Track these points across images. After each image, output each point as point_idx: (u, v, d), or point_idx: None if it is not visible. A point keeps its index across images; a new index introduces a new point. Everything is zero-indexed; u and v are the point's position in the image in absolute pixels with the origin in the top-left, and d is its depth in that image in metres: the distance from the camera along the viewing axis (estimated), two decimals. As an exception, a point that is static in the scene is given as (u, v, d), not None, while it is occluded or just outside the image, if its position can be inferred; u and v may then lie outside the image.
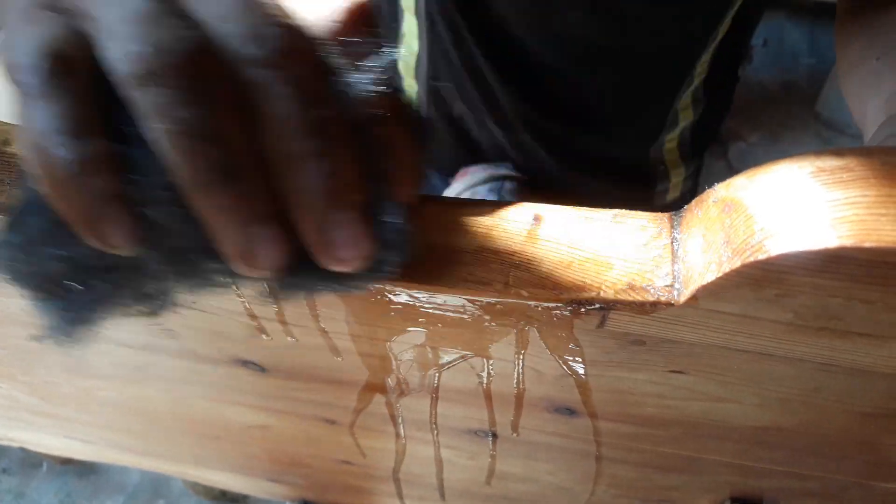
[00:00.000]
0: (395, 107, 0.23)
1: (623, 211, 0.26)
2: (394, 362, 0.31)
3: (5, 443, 0.55)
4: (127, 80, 0.20)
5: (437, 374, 0.31)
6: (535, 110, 0.61)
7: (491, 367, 0.30)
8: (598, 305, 0.24)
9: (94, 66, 0.21)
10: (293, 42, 0.20)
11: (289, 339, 0.30)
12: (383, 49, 0.23)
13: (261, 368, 0.34)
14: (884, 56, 0.44)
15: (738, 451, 0.33)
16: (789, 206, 0.20)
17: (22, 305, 0.33)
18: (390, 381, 0.33)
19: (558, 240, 0.25)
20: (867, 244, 0.18)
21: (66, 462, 1.25)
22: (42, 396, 0.44)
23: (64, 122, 0.20)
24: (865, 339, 0.22)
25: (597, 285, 0.24)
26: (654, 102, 0.61)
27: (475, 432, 0.36)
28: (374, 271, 0.23)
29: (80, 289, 0.23)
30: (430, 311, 0.27)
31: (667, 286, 0.23)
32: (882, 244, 0.18)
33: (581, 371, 0.28)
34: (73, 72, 0.20)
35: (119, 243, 0.21)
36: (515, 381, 0.30)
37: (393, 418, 0.36)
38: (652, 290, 0.23)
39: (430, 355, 0.30)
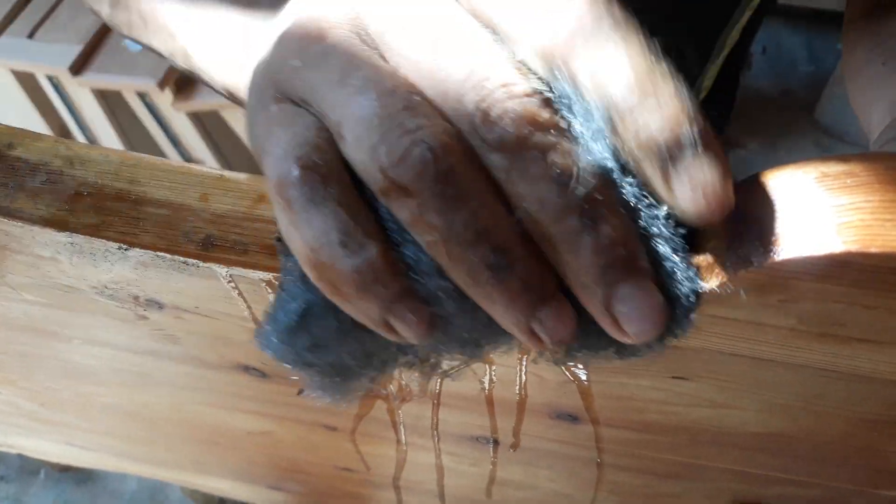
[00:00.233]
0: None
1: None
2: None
3: (4, 449, 0.55)
4: (379, 192, 0.20)
5: (439, 381, 0.31)
6: None
7: (493, 373, 0.30)
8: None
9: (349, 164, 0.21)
10: (533, 116, 0.19)
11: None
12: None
13: (262, 374, 0.34)
14: (889, 61, 0.44)
15: (740, 457, 0.33)
16: (793, 211, 0.20)
17: (25, 310, 0.33)
18: (392, 388, 0.33)
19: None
20: (873, 249, 0.18)
21: (65, 469, 1.24)
22: (42, 402, 0.44)
23: (341, 234, 0.20)
24: (868, 345, 0.22)
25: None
26: None
27: (476, 439, 0.36)
28: (666, 335, 0.22)
29: (362, 370, 0.24)
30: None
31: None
32: (888, 249, 0.18)
33: (584, 377, 0.28)
34: (335, 178, 0.20)
35: (413, 336, 0.21)
36: (518, 387, 0.30)
37: (394, 425, 0.36)
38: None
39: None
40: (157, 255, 0.25)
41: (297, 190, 0.20)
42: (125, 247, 0.26)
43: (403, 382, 0.32)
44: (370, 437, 0.38)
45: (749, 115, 1.83)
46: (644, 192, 0.20)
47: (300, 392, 0.26)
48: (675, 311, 0.21)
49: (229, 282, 0.26)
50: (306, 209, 0.20)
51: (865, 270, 0.19)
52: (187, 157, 1.42)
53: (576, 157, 0.19)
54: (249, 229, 0.26)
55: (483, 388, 0.31)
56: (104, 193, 0.27)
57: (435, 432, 0.36)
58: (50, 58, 1.34)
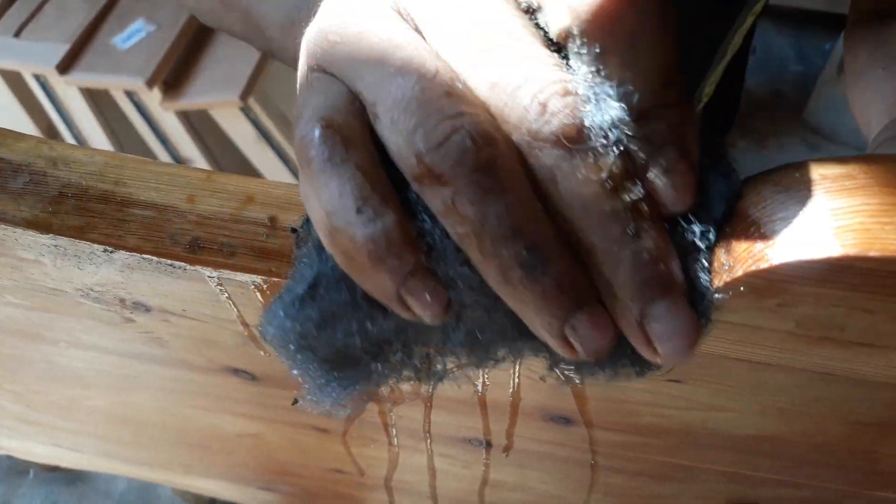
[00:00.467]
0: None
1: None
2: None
3: (-9, 451, 0.54)
4: (413, 178, 0.19)
5: (432, 384, 0.31)
6: None
7: (487, 376, 0.29)
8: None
9: (375, 136, 0.20)
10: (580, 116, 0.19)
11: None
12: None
13: (252, 377, 0.33)
14: (890, 65, 0.44)
15: (734, 460, 0.33)
16: (791, 214, 0.19)
17: (9, 313, 0.32)
18: (384, 390, 0.32)
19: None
20: (871, 253, 0.18)
21: (53, 469, 1.23)
22: (29, 404, 0.44)
23: (357, 199, 0.19)
24: (866, 348, 0.22)
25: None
26: None
27: (469, 441, 0.36)
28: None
29: (368, 359, 0.23)
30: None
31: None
32: (887, 253, 0.18)
33: (578, 379, 0.28)
34: (357, 143, 0.20)
35: (428, 316, 0.20)
36: (511, 389, 0.30)
37: (386, 427, 0.36)
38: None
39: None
40: (144, 258, 0.25)
41: (316, 150, 0.19)
42: (110, 249, 0.25)
43: (395, 384, 0.32)
44: (362, 438, 0.38)
45: (738, 114, 1.84)
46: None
47: (295, 402, 0.25)
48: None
49: (217, 285, 0.26)
50: (324, 170, 0.19)
51: (864, 274, 0.19)
52: (176, 157, 1.41)
53: (626, 162, 0.19)
54: (237, 231, 0.25)
55: (476, 391, 0.31)
56: (89, 195, 0.26)
57: (427, 434, 0.36)
58: (37, 57, 1.33)
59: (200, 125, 1.38)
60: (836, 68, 1.65)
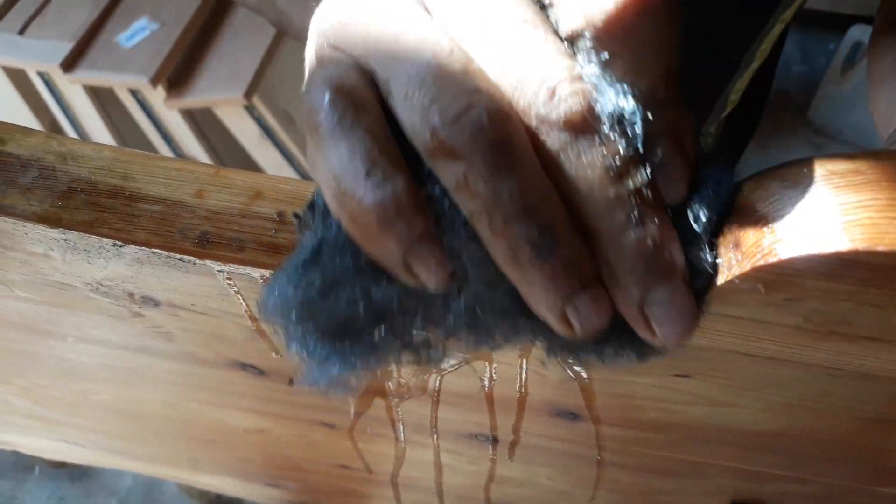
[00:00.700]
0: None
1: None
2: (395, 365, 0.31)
3: (-2, 447, 0.55)
4: (426, 152, 0.19)
5: (438, 378, 0.31)
6: None
7: (494, 371, 0.29)
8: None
9: (384, 106, 0.20)
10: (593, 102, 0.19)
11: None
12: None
13: (259, 371, 0.33)
14: None
15: (741, 455, 0.33)
16: (800, 209, 0.20)
17: (18, 308, 0.32)
18: (391, 385, 0.33)
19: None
20: (880, 247, 0.18)
21: (59, 465, 1.24)
22: (36, 400, 0.44)
23: (366, 162, 0.19)
24: (875, 343, 0.22)
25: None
26: None
27: (476, 436, 0.36)
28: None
29: (370, 331, 0.22)
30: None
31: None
32: (895, 247, 0.18)
33: (585, 375, 0.28)
34: (368, 109, 0.20)
35: (433, 283, 0.20)
36: (518, 384, 0.30)
37: (393, 422, 0.36)
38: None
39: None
40: (153, 252, 0.25)
41: (326, 114, 0.20)
42: (120, 243, 0.25)
43: (402, 380, 0.32)
44: (369, 434, 0.38)
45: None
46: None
47: (291, 382, 0.24)
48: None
49: (226, 279, 0.26)
50: (333, 133, 0.19)
51: (873, 268, 0.19)
52: (180, 155, 1.41)
53: (631, 150, 0.19)
54: (246, 226, 0.25)
55: (483, 386, 0.31)
56: (98, 189, 0.26)
57: (434, 430, 0.36)
58: (41, 54, 1.33)
59: (204, 123, 1.39)
60: (840, 68, 1.64)
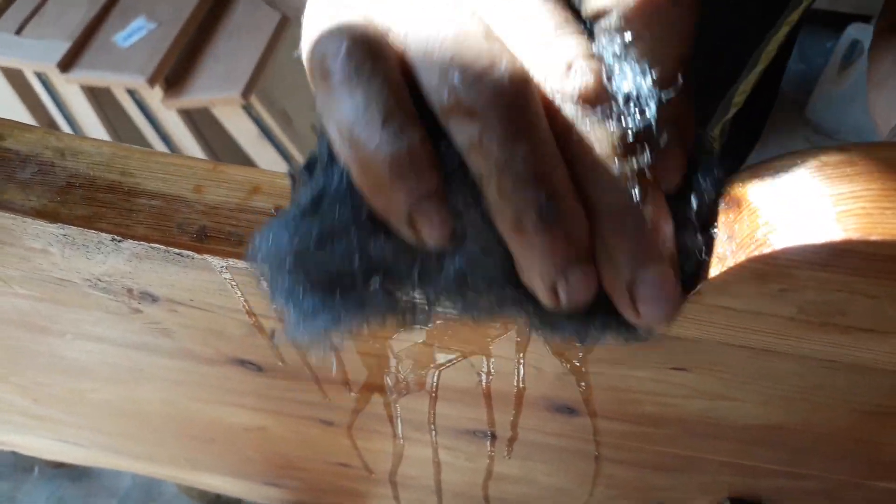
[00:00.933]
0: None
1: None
2: (393, 361, 0.31)
3: (-4, 447, 0.55)
4: (442, 110, 0.19)
5: (436, 374, 0.31)
6: None
7: (491, 366, 0.30)
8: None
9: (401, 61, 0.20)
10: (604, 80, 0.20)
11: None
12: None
13: (258, 368, 0.33)
14: None
15: (738, 450, 0.33)
16: (793, 200, 0.20)
17: (17, 305, 0.32)
18: (389, 381, 0.33)
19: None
20: (873, 237, 0.18)
21: (58, 466, 1.24)
22: (34, 399, 0.44)
23: (384, 111, 0.19)
24: (869, 334, 0.22)
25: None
26: None
27: (473, 433, 0.36)
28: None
29: (361, 286, 0.22)
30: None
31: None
32: (888, 237, 0.18)
33: (583, 369, 0.28)
34: (385, 58, 0.20)
35: (435, 239, 0.20)
36: (516, 379, 0.30)
37: (391, 419, 0.36)
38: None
39: (430, 353, 0.30)
40: (152, 247, 0.25)
41: (343, 61, 0.19)
42: (118, 238, 0.25)
43: (401, 376, 0.32)
44: (367, 431, 0.38)
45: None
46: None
47: (272, 335, 0.24)
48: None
49: (225, 274, 0.26)
50: (350, 81, 0.19)
51: (866, 258, 0.19)
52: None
53: (640, 130, 0.20)
54: (244, 221, 0.26)
55: (480, 382, 0.31)
56: (96, 185, 0.26)
57: (432, 426, 0.36)
58: (38, 54, 1.33)
59: (202, 123, 1.39)
60: (837, 67, 1.65)
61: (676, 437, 0.33)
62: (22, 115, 1.43)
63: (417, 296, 0.22)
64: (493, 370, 0.30)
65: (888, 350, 0.22)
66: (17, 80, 1.40)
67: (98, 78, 1.32)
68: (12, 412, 0.46)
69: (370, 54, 0.19)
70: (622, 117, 0.19)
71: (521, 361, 0.29)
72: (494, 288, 0.21)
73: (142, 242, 0.25)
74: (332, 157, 0.21)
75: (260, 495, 0.53)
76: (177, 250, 0.25)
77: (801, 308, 0.21)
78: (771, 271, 0.20)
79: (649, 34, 0.20)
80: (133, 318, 0.31)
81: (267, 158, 1.36)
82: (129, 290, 0.29)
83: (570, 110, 0.19)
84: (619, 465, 0.37)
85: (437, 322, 0.24)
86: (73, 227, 0.25)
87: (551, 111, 0.19)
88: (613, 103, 0.19)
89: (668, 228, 0.20)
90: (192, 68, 1.32)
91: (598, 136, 0.19)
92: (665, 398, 0.29)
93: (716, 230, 0.21)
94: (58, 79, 1.35)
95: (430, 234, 0.20)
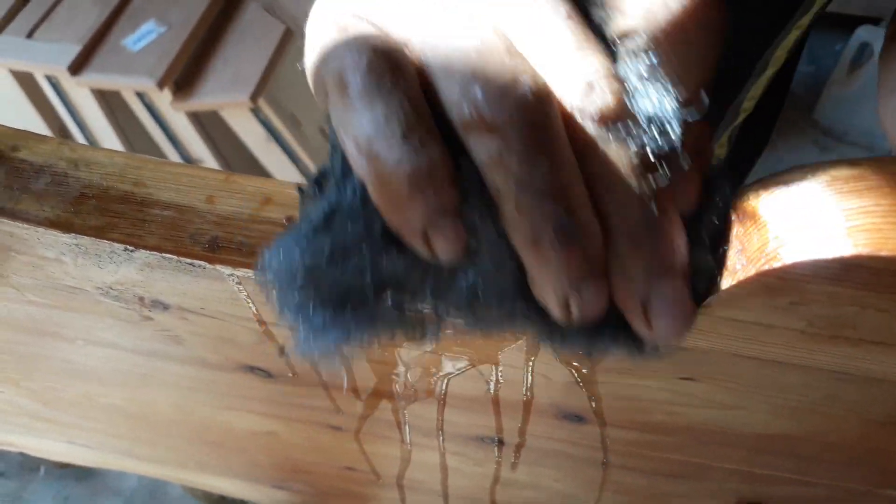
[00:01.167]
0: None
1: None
2: (402, 369, 0.31)
3: (5, 448, 0.55)
4: (463, 125, 0.19)
5: (445, 381, 0.31)
6: None
7: (500, 374, 0.30)
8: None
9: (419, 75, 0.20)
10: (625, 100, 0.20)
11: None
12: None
13: (268, 374, 0.33)
14: None
15: (746, 458, 0.33)
16: (804, 214, 0.20)
17: (29, 312, 0.32)
18: (397, 388, 0.33)
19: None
20: (883, 252, 0.18)
21: (64, 466, 1.25)
22: (44, 402, 0.44)
23: (404, 125, 0.19)
24: (879, 347, 0.22)
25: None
26: None
27: (481, 439, 0.36)
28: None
29: (372, 302, 0.21)
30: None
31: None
32: (899, 253, 0.18)
33: (592, 378, 0.28)
34: (406, 72, 0.20)
35: (448, 255, 0.20)
36: (524, 388, 0.30)
37: (399, 425, 0.36)
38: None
39: (439, 362, 0.30)
40: (164, 257, 0.25)
41: (363, 74, 0.19)
42: (131, 248, 0.25)
43: (409, 382, 0.32)
44: (375, 436, 0.38)
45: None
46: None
47: (282, 351, 0.24)
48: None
49: (236, 283, 0.26)
50: (369, 93, 0.19)
51: (876, 273, 0.19)
52: (186, 157, 1.42)
53: (660, 150, 0.20)
54: (255, 231, 0.26)
55: (489, 389, 0.31)
56: (109, 195, 0.26)
57: (440, 432, 0.36)
58: (48, 57, 1.34)
59: (211, 126, 1.39)
60: (846, 69, 1.64)
61: (685, 445, 0.33)
62: (32, 118, 1.44)
63: (428, 309, 0.23)
64: (501, 378, 0.30)
65: (898, 363, 0.22)
66: (27, 83, 1.41)
67: (108, 81, 1.33)
68: (22, 415, 0.47)
69: (390, 67, 0.19)
70: (643, 137, 0.19)
71: (530, 370, 0.29)
72: (505, 302, 0.21)
73: (154, 252, 0.25)
74: (345, 172, 0.21)
75: (267, 498, 0.53)
76: (189, 260, 0.25)
77: (811, 321, 0.21)
78: (781, 285, 0.20)
79: (676, 57, 0.20)
80: (144, 326, 0.31)
81: (275, 161, 1.36)
82: (141, 299, 0.29)
83: (590, 128, 0.19)
84: (628, 472, 0.37)
85: (447, 333, 0.24)
86: (85, 238, 0.25)
87: (571, 128, 0.19)
88: (634, 123, 0.20)
89: (682, 246, 0.20)
90: (201, 72, 1.33)
91: (618, 154, 0.19)
92: (674, 407, 0.29)
93: (727, 248, 0.21)
94: (68, 82, 1.35)
95: (445, 249, 0.20)
